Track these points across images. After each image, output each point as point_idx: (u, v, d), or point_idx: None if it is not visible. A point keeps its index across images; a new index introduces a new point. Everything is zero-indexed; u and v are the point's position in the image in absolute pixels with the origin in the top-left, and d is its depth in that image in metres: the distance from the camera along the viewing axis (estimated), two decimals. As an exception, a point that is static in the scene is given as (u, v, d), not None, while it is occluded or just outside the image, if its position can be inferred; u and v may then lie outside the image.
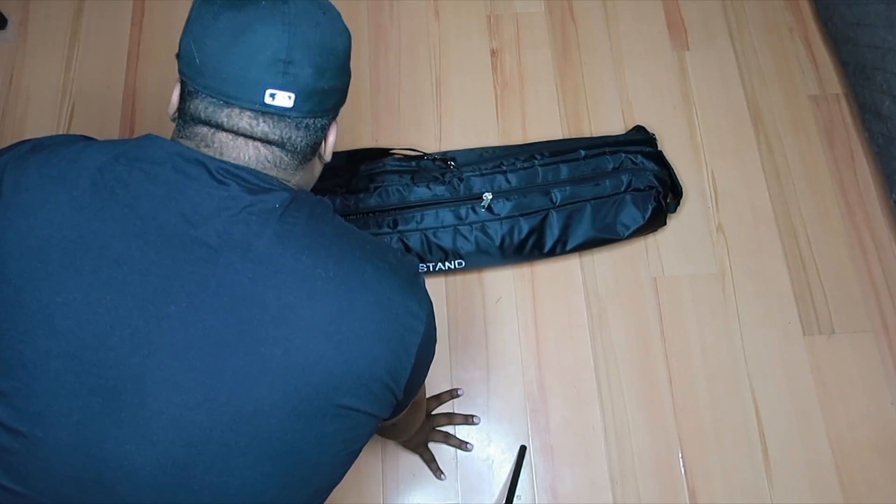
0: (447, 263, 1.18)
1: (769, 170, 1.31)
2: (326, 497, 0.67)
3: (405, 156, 1.26)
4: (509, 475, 1.11)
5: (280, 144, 0.62)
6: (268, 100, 0.60)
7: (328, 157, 0.70)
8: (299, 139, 0.63)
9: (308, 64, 0.60)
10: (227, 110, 0.61)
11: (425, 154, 1.25)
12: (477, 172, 1.21)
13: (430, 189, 1.19)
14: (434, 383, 1.16)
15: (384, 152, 1.27)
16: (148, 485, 0.56)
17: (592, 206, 1.19)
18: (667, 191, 1.23)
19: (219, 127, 0.61)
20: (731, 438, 1.13)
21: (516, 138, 1.33)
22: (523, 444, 1.13)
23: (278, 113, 0.61)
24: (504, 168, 1.21)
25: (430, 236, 1.17)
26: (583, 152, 1.23)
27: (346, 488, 1.10)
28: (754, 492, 1.10)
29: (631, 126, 1.33)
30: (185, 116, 0.63)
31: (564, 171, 1.22)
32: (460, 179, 1.20)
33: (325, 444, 0.61)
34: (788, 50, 1.41)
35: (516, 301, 1.21)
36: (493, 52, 1.41)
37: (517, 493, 1.09)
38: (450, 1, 1.45)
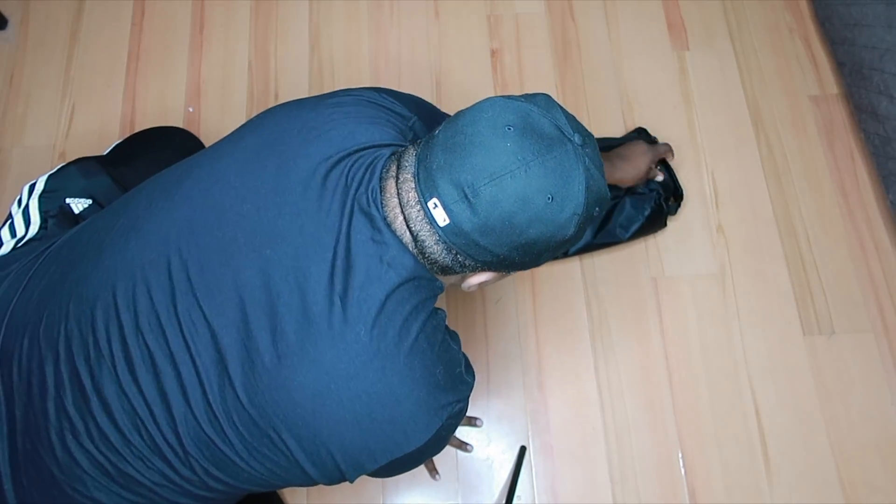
0: None
1: (769, 170, 1.31)
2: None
3: None
4: (509, 475, 1.11)
5: (413, 240, 0.63)
6: (430, 206, 0.60)
7: (467, 289, 0.70)
8: (433, 252, 0.63)
9: (481, 216, 0.59)
10: (408, 175, 0.62)
11: None
12: None
13: None
14: (434, 383, 1.16)
15: None
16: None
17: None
18: (668, 193, 1.23)
19: (395, 178, 0.63)
20: (732, 438, 1.13)
21: (516, 138, 1.33)
22: (523, 444, 1.13)
23: (429, 219, 0.61)
24: None
25: None
26: None
27: (347, 488, 1.10)
28: (754, 492, 1.10)
29: (631, 126, 1.33)
30: (403, 152, 0.66)
31: None
32: None
33: (252, 456, 0.64)
34: (788, 50, 1.41)
35: (516, 301, 1.21)
36: (493, 53, 1.41)
37: (517, 493, 1.09)
38: (450, 1, 1.45)
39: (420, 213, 0.61)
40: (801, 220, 1.27)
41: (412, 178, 0.62)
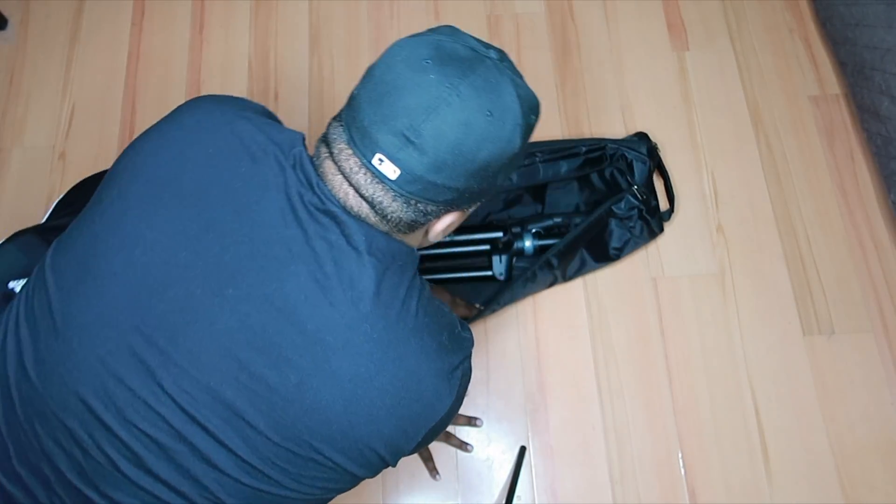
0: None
1: (769, 170, 1.31)
2: None
3: None
4: (509, 475, 1.11)
5: (370, 204, 0.60)
6: (375, 161, 0.58)
7: (435, 238, 0.68)
8: (391, 210, 0.60)
9: (431, 153, 0.57)
10: (342, 145, 0.60)
11: None
12: None
13: None
14: (434, 383, 1.16)
15: None
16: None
17: (584, 249, 1.21)
18: (647, 208, 1.21)
19: (330, 154, 0.61)
20: (731, 438, 1.13)
21: (516, 138, 1.33)
22: (523, 444, 1.13)
23: (378, 177, 0.59)
24: None
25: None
26: (583, 148, 1.23)
27: (346, 488, 1.10)
28: (754, 492, 1.10)
29: (631, 128, 1.33)
30: (326, 130, 0.63)
31: (564, 167, 1.22)
32: None
33: (301, 483, 0.63)
34: (788, 50, 1.41)
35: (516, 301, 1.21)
36: (493, 53, 1.41)
37: (517, 493, 1.09)
38: (450, 1, 1.45)
39: (367, 176, 0.59)
40: (800, 220, 1.27)
41: (347, 146, 0.59)
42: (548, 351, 1.18)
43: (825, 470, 1.11)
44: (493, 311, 1.18)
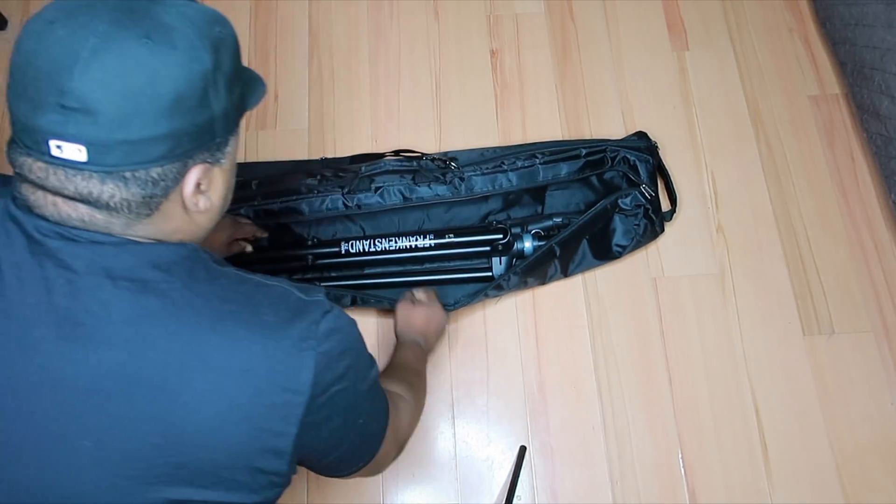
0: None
1: (769, 170, 1.31)
2: None
3: (405, 156, 1.26)
4: (509, 475, 1.11)
5: (82, 201, 0.51)
6: (55, 151, 0.49)
7: (194, 206, 0.57)
8: (108, 195, 0.51)
9: (103, 110, 0.48)
10: (22, 158, 0.51)
11: (424, 154, 1.25)
12: (478, 172, 1.21)
13: (431, 189, 1.19)
14: (434, 383, 1.16)
15: (383, 155, 1.27)
16: None
17: (587, 240, 1.21)
18: (656, 206, 1.22)
19: (20, 177, 0.52)
20: (732, 439, 1.13)
21: (516, 139, 1.33)
22: (523, 444, 1.13)
23: (71, 167, 0.50)
24: (505, 167, 1.21)
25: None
26: (584, 150, 1.23)
27: (347, 488, 1.10)
28: (754, 492, 1.10)
29: (631, 127, 1.33)
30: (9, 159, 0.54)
31: (564, 169, 1.22)
32: (462, 179, 1.20)
33: None
34: (788, 50, 1.41)
35: (516, 301, 1.21)
36: (493, 53, 1.41)
37: (517, 493, 1.09)
38: (450, 1, 1.45)
39: (59, 172, 0.50)
40: (800, 220, 1.27)
41: (26, 156, 0.50)
42: (548, 351, 1.18)
43: (825, 470, 1.11)
44: (496, 296, 1.19)
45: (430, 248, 1.19)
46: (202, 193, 0.57)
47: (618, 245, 1.21)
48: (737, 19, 1.44)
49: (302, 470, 1.12)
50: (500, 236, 1.20)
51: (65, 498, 0.52)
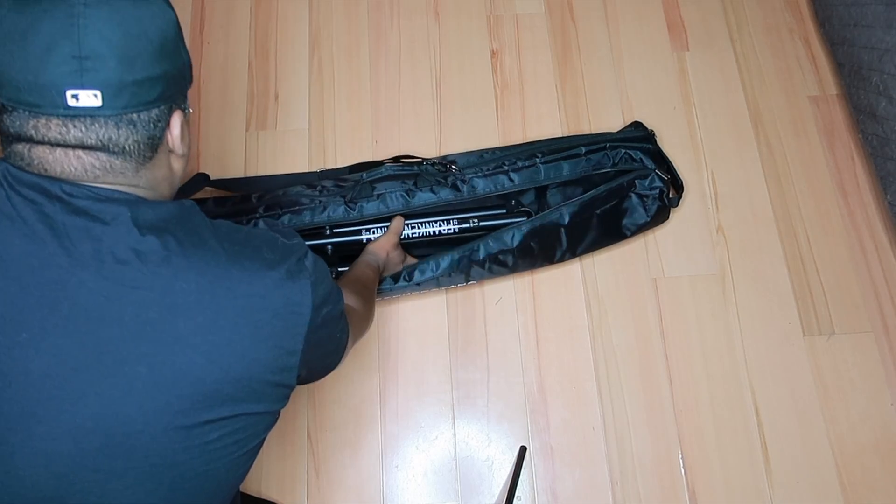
0: (458, 283, 1.20)
1: (769, 171, 1.31)
2: (232, 493, 0.68)
3: (405, 162, 1.25)
4: (509, 476, 1.11)
5: (103, 148, 0.57)
6: (71, 102, 0.54)
7: (179, 149, 0.64)
8: (124, 138, 0.57)
9: (111, 56, 0.54)
10: (32, 121, 0.55)
11: (424, 159, 1.24)
12: (479, 174, 1.20)
13: (433, 192, 1.18)
14: (434, 383, 1.16)
15: (381, 163, 1.26)
16: None
17: (599, 216, 1.20)
18: (667, 188, 1.23)
19: (31, 140, 0.56)
20: (732, 439, 1.13)
21: (516, 139, 1.33)
22: (523, 444, 1.13)
23: (89, 115, 0.55)
24: (506, 167, 1.21)
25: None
26: (583, 149, 1.23)
27: (347, 488, 1.10)
28: (755, 492, 1.10)
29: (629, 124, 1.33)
30: (2, 135, 0.58)
31: (566, 168, 1.22)
32: (463, 181, 1.19)
33: (212, 452, 0.60)
34: (788, 51, 1.41)
35: (516, 302, 1.21)
36: (493, 53, 1.41)
37: (517, 493, 1.09)
38: (450, 1, 1.45)
39: (79, 124, 0.55)
40: (800, 220, 1.27)
41: (24, 117, 0.55)
42: (548, 351, 1.18)
43: (825, 470, 1.11)
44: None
45: (454, 233, 1.21)
46: (183, 140, 0.65)
47: (627, 227, 1.21)
48: (737, 20, 1.44)
49: (302, 470, 1.12)
50: (524, 219, 1.18)
51: (127, 422, 0.56)
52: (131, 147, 0.58)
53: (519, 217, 1.20)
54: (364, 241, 1.19)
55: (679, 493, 1.10)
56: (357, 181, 1.21)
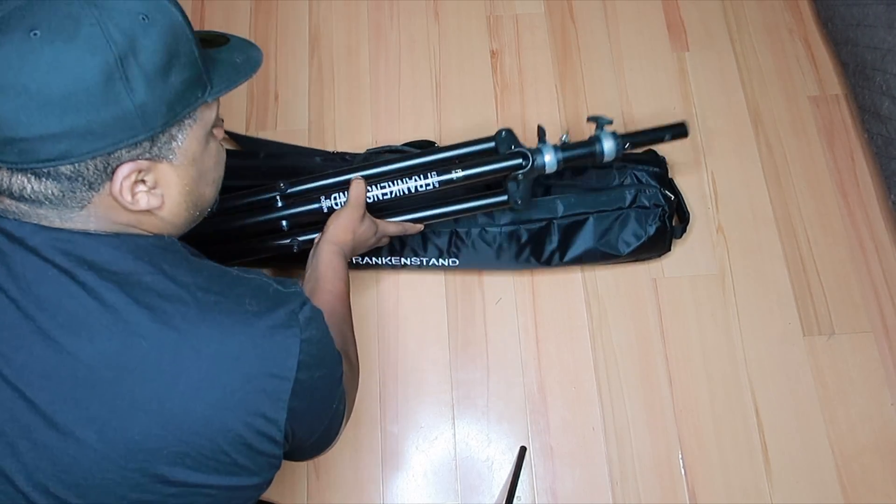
0: (441, 260, 1.18)
1: (769, 171, 1.31)
2: None
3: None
4: (509, 476, 1.11)
5: (4, 193, 0.53)
6: None
7: (137, 203, 0.55)
8: (21, 187, 0.52)
9: None
10: None
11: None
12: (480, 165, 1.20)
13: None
14: (434, 383, 1.16)
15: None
16: None
17: (595, 218, 1.16)
18: (673, 211, 1.19)
19: None
20: (732, 439, 1.13)
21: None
22: (523, 444, 1.13)
23: None
24: None
25: (429, 233, 1.16)
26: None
27: (347, 489, 1.10)
28: (755, 492, 1.10)
29: (631, 128, 1.33)
30: None
31: (568, 175, 1.21)
32: (459, 168, 1.19)
33: None
34: (788, 51, 1.41)
35: (516, 302, 1.21)
36: (493, 53, 1.41)
37: (517, 493, 1.09)
38: (450, 1, 1.45)
39: None
40: (800, 220, 1.27)
41: None
42: (548, 351, 1.18)
43: (825, 470, 1.11)
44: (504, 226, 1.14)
45: (434, 188, 1.03)
46: (148, 192, 0.56)
47: (624, 241, 1.17)
48: (737, 20, 1.44)
49: (302, 471, 1.12)
50: (521, 161, 1.02)
51: (80, 495, 0.52)
52: (34, 196, 0.52)
53: (514, 159, 1.03)
54: (324, 209, 1.02)
55: (679, 493, 1.10)
56: (363, 156, 1.20)
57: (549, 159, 1.04)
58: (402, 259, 1.17)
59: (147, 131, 0.53)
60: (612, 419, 1.14)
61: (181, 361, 0.52)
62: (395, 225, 1.04)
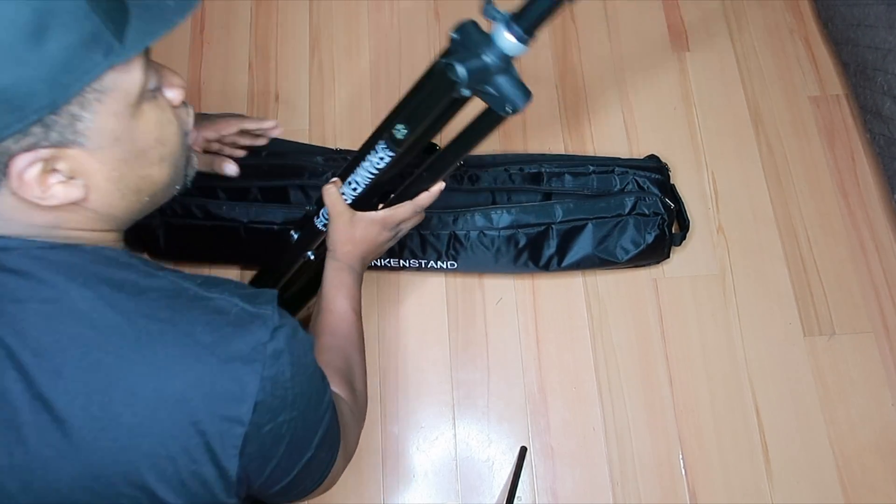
0: (439, 263, 1.18)
1: (769, 171, 1.31)
2: None
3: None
4: (509, 476, 1.11)
5: None
6: None
7: (52, 196, 0.47)
8: None
9: None
10: None
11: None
12: (481, 170, 1.20)
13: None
14: (434, 384, 1.16)
15: None
16: None
17: (594, 224, 1.16)
18: (672, 220, 1.19)
19: None
20: (732, 439, 1.13)
21: (517, 140, 1.33)
22: (524, 445, 1.13)
23: None
24: (510, 172, 1.20)
25: (428, 236, 1.16)
26: (591, 167, 1.20)
27: (347, 489, 1.10)
28: (755, 492, 1.10)
29: (631, 128, 1.33)
30: None
31: (569, 181, 1.20)
32: (471, 179, 1.19)
33: None
34: (789, 51, 1.41)
35: (517, 302, 1.21)
36: (494, 53, 1.41)
37: (517, 494, 1.09)
38: (450, 1, 1.45)
39: None
40: (801, 220, 1.27)
41: None
42: (548, 351, 1.18)
43: (826, 470, 1.11)
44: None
45: (391, 156, 0.85)
46: (66, 182, 0.47)
47: (622, 248, 1.17)
48: (737, 20, 1.44)
49: (302, 470, 1.11)
50: (449, 75, 0.72)
51: None
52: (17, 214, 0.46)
53: (440, 77, 0.76)
54: (319, 227, 0.92)
55: (679, 493, 1.10)
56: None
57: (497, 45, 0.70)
58: (401, 261, 1.17)
59: (30, 116, 0.42)
60: (613, 419, 1.14)
61: (112, 407, 0.45)
62: (402, 207, 0.85)
